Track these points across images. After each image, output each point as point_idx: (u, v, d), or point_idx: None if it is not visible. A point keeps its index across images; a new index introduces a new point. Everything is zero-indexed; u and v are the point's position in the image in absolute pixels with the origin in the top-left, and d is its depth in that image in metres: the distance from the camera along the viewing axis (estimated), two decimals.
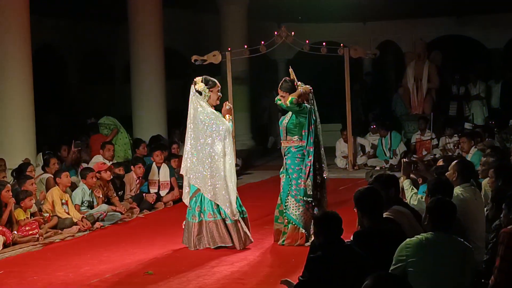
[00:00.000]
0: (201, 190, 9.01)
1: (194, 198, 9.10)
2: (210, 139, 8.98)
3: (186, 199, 9.23)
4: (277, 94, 9.32)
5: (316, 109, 9.23)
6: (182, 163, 9.26)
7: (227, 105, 9.27)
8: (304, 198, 9.04)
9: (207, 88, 9.08)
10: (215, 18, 19.76)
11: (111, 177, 11.97)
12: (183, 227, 9.29)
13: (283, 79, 9.34)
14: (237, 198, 9.10)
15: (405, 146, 17.01)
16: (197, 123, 9.05)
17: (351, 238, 5.86)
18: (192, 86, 9.13)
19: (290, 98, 8.99)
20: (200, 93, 9.07)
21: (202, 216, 9.05)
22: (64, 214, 10.66)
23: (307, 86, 9.20)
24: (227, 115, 9.16)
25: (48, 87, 18.54)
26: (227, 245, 8.96)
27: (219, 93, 9.18)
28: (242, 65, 18.22)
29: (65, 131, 17.84)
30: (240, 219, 9.02)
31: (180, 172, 9.42)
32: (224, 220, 8.99)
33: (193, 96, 9.10)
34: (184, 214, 11.81)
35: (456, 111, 19.32)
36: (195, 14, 21.68)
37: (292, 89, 9.14)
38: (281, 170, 9.38)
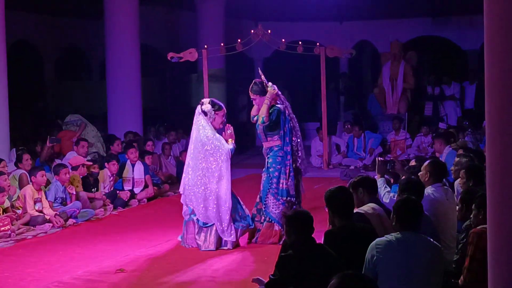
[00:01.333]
0: (194, 210, 9.04)
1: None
2: (207, 160, 9.01)
3: (186, 217, 9.21)
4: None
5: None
6: (182, 180, 9.30)
7: (229, 129, 9.30)
8: (287, 198, 9.10)
9: (213, 110, 9.13)
10: (191, 15, 19.73)
11: (86, 173, 11.96)
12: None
13: (253, 81, 9.35)
14: (241, 207, 9.19)
15: (380, 146, 17.10)
16: (197, 143, 9.09)
17: (323, 237, 5.87)
18: (199, 106, 9.20)
19: (261, 119, 9.09)
20: (205, 113, 9.12)
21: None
22: (35, 214, 10.57)
23: (273, 88, 9.19)
24: (229, 139, 9.22)
25: (23, 82, 18.41)
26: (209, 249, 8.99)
27: (224, 118, 9.25)
28: (219, 63, 18.22)
29: (38, 127, 17.71)
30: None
31: (179, 190, 9.42)
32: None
33: (198, 116, 9.16)
34: (158, 211, 11.85)
35: (431, 111, 19.43)
36: (171, 11, 21.64)
37: (262, 91, 9.18)
38: (264, 169, 9.42)
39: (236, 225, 9.05)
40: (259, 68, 9.55)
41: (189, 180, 9.08)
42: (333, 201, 5.99)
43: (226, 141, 9.16)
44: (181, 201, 9.27)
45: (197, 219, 9.03)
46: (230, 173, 9.08)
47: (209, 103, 9.16)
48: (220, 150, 8.99)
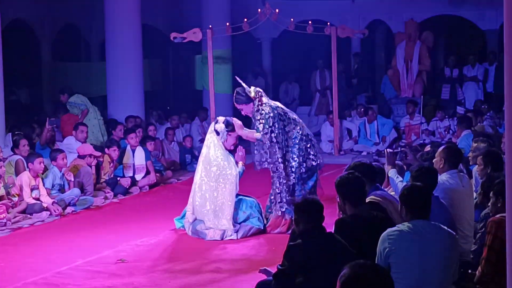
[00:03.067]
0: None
1: None
2: (216, 181, 9.14)
3: (188, 231, 9.27)
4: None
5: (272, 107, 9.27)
6: (189, 198, 9.39)
7: (241, 152, 9.43)
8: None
9: (226, 130, 9.28)
10: None
11: (92, 163, 11.97)
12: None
13: (235, 91, 9.39)
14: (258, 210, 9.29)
15: (395, 131, 17.06)
16: (205, 161, 9.22)
17: (334, 226, 5.87)
18: (213, 123, 9.43)
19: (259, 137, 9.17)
20: (218, 133, 9.25)
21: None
22: (32, 201, 10.58)
23: (256, 90, 9.24)
24: (240, 162, 9.35)
25: (19, 64, 18.42)
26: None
27: (236, 140, 9.41)
28: (224, 43, 18.16)
29: (35, 110, 17.71)
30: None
31: (186, 209, 9.47)
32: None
33: (210, 133, 9.33)
34: (161, 199, 11.87)
35: (448, 95, 19.36)
36: None
37: (247, 99, 9.22)
38: None
39: (248, 222, 9.15)
40: (236, 77, 9.61)
41: (197, 199, 9.22)
42: (344, 188, 5.99)
43: (236, 163, 9.29)
44: (187, 217, 9.39)
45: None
46: (234, 197, 9.16)
47: (223, 122, 9.29)
48: (228, 174, 9.11)
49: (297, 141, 9.19)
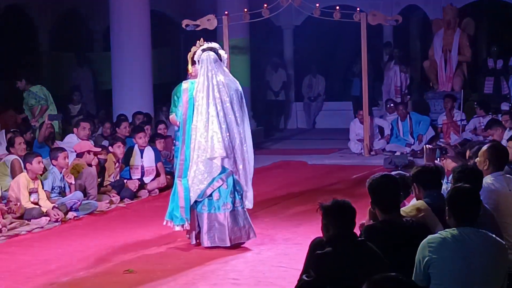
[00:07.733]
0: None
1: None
2: (238, 115, 8.95)
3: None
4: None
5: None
6: (222, 143, 8.83)
7: None
8: None
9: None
10: None
11: (97, 162, 11.97)
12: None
13: None
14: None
15: (432, 129, 17.02)
16: (226, 97, 8.89)
17: (361, 233, 5.85)
18: (211, 52, 8.95)
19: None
20: (221, 59, 9.03)
21: (214, 208, 8.89)
22: (30, 206, 10.60)
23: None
24: None
25: (15, 55, 18.52)
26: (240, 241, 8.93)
27: None
28: (242, 31, 18.19)
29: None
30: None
31: (217, 155, 8.85)
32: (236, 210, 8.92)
33: (215, 63, 8.93)
34: None
35: (492, 89, 19.28)
36: None
37: None
38: None
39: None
40: None
41: (230, 139, 8.85)
42: (375, 191, 5.94)
43: None
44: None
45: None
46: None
47: (219, 48, 9.10)
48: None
49: None
